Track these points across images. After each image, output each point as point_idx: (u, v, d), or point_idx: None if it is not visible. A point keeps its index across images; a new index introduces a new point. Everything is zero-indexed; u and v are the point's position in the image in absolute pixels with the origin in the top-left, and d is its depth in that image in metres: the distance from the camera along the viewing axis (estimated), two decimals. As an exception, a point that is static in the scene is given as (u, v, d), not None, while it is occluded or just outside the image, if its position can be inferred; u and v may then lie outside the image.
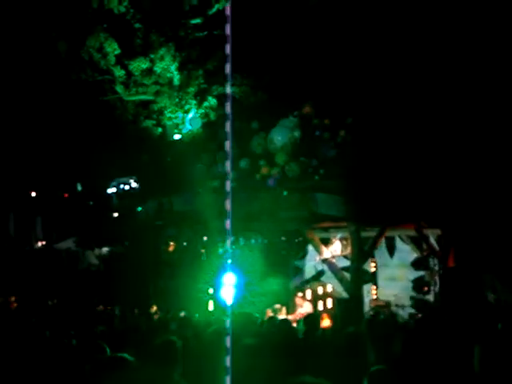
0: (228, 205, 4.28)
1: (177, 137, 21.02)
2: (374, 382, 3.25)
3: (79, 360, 4.97)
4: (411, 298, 18.07)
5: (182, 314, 15.55)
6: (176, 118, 21.60)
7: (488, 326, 6.26)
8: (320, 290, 18.64)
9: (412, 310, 17.18)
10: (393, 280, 19.66)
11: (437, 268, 17.69)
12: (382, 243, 18.16)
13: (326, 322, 13.63)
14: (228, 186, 4.62)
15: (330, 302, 17.98)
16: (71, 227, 23.13)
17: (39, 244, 24.84)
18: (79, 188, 23.88)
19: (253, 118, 17.71)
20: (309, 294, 18.53)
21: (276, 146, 16.77)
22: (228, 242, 16.86)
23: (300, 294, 18.41)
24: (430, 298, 17.59)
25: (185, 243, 19.74)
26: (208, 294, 17.66)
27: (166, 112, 21.57)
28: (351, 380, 2.73)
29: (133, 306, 16.42)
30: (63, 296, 17.91)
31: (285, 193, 16.11)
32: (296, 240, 19.28)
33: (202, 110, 21.63)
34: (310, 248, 18.80)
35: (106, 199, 20.72)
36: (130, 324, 11.39)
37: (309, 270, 20.09)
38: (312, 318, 6.76)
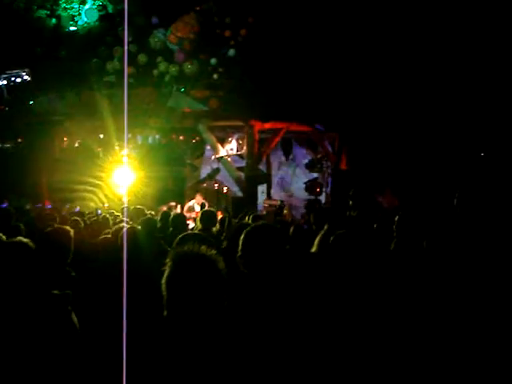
0: (124, 101, 4.26)
1: (72, 29, 20.25)
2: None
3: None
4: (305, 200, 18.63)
5: (77, 208, 15.51)
6: (71, 9, 20.73)
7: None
8: (215, 188, 18.94)
9: (304, 210, 17.74)
10: (287, 181, 20.17)
11: (329, 170, 18.23)
12: (278, 145, 18.47)
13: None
14: (125, 81, 4.58)
15: (224, 200, 18.33)
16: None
17: None
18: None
19: (153, 13, 17.25)
20: (204, 191, 18.81)
21: (175, 43, 16.50)
22: (124, 140, 16.73)
23: (196, 192, 18.66)
24: (322, 198, 18.18)
25: (79, 140, 19.36)
26: (101, 189, 17.59)
27: (60, 2, 20.66)
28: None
29: (25, 201, 16.15)
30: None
31: (182, 89, 16.03)
32: (193, 140, 19.28)
33: (99, 2, 20.81)
34: (207, 148, 18.93)
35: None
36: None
37: (205, 169, 20.31)
38: (208, 215, 6.92)
